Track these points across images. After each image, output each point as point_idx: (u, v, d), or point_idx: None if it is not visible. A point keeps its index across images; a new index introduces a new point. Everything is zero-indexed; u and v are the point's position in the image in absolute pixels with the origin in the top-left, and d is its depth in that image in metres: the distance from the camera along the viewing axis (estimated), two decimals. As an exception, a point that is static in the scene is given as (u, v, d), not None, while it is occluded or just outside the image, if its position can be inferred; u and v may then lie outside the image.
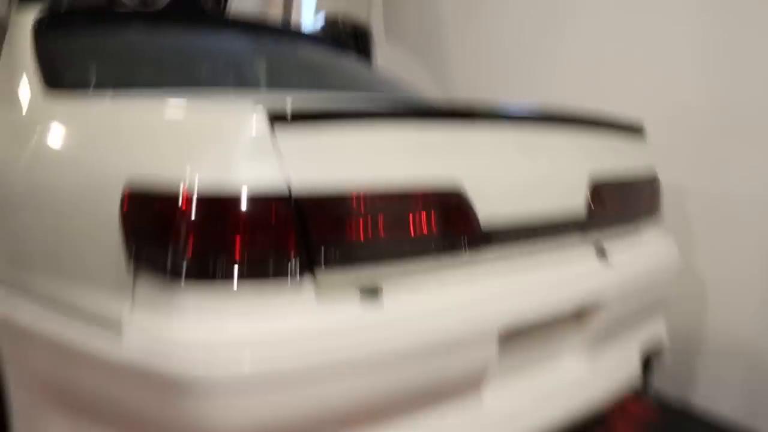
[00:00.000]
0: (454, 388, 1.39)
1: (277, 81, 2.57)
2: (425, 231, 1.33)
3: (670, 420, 2.41)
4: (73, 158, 1.48)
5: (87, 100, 1.68)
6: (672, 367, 2.37)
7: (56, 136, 1.61)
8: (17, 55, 1.92)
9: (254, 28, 2.77)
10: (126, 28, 2.30)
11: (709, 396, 2.43)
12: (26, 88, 1.81)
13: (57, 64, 1.86)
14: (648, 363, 2.02)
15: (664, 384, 2.53)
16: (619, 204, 1.89)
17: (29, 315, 1.44)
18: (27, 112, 1.78)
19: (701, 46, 2.45)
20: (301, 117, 1.19)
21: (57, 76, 1.80)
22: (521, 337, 1.53)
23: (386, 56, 4.20)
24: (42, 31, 1.96)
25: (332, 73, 2.74)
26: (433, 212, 1.35)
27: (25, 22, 1.99)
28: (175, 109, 1.41)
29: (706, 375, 2.45)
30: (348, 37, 3.07)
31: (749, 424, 2.29)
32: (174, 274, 1.12)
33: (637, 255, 1.90)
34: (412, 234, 1.32)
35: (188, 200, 1.11)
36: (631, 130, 2.00)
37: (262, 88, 2.51)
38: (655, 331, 2.06)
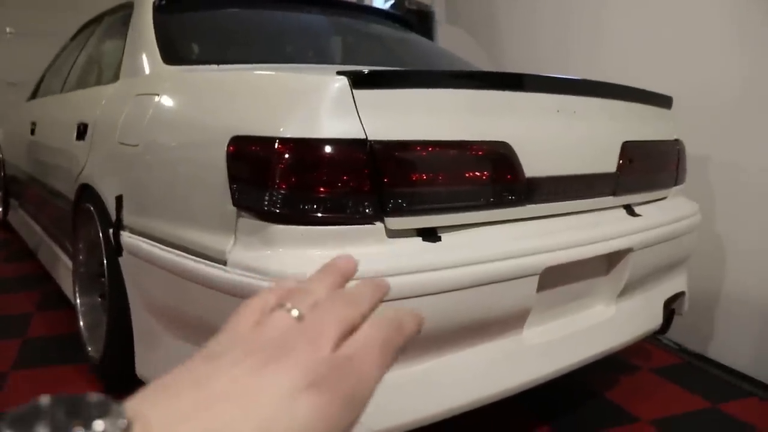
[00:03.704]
0: (500, 323, 1.48)
1: (353, 53, 2.66)
2: (478, 179, 1.43)
3: (687, 363, 2.46)
4: (186, 119, 1.60)
5: (198, 71, 1.80)
6: (691, 322, 2.41)
7: (172, 100, 1.74)
8: (141, 34, 2.07)
9: (334, 5, 2.84)
10: (226, 8, 2.42)
11: (723, 350, 2.47)
12: (147, 63, 1.97)
13: (173, 40, 2.01)
14: (670, 313, 2.07)
15: (682, 338, 2.58)
16: (647, 168, 1.95)
17: (150, 252, 1.59)
18: (148, 82, 1.92)
19: (730, 24, 2.42)
20: (375, 81, 1.31)
21: (173, 52, 1.94)
22: (559, 280, 1.61)
23: (446, 35, 4.24)
24: (160, 13, 2.10)
25: (399, 47, 2.80)
26: (484, 162, 1.45)
27: (146, 4, 2.13)
28: (274, 76, 1.52)
29: (723, 331, 2.48)
30: (413, 17, 3.13)
31: (761, 376, 2.32)
32: (269, 213, 1.24)
33: (662, 214, 1.95)
34: (467, 180, 1.41)
35: (284, 142, 1.23)
36: (661, 101, 2.03)
37: (342, 58, 2.61)
38: (678, 284, 2.11)
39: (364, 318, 0.37)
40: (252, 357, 0.33)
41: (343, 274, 0.41)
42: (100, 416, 0.29)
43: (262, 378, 0.32)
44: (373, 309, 0.38)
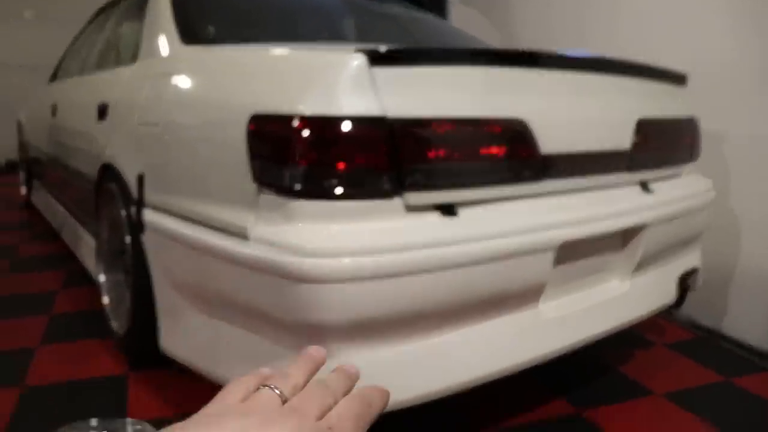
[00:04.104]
0: (516, 297, 1.49)
1: (368, 32, 2.65)
2: (494, 155, 1.43)
3: (701, 338, 2.46)
4: (206, 98, 1.61)
5: (216, 50, 1.81)
6: (704, 297, 2.41)
7: (191, 80, 1.75)
8: (159, 15, 2.08)
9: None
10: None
11: (736, 325, 2.47)
12: (166, 44, 1.97)
13: (191, 21, 2.01)
14: (684, 289, 2.07)
15: (695, 313, 2.57)
16: (661, 145, 1.94)
17: (172, 229, 1.60)
18: (166, 62, 1.93)
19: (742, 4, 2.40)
20: (393, 58, 1.31)
21: (191, 32, 1.94)
22: (575, 255, 1.61)
23: (459, 15, 4.21)
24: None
25: (413, 26, 2.79)
26: (500, 139, 1.46)
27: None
28: (293, 54, 1.53)
29: (736, 306, 2.48)
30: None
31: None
32: (290, 189, 1.25)
33: (677, 190, 1.94)
34: (484, 157, 1.42)
35: (304, 120, 1.24)
36: (675, 78, 2.01)
37: (357, 37, 2.60)
38: (692, 260, 2.10)
39: (337, 402, 0.43)
40: (250, 418, 0.38)
41: (315, 362, 0.48)
42: None
43: (264, 431, 0.37)
44: (345, 394, 0.44)
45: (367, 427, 0.43)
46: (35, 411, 1.83)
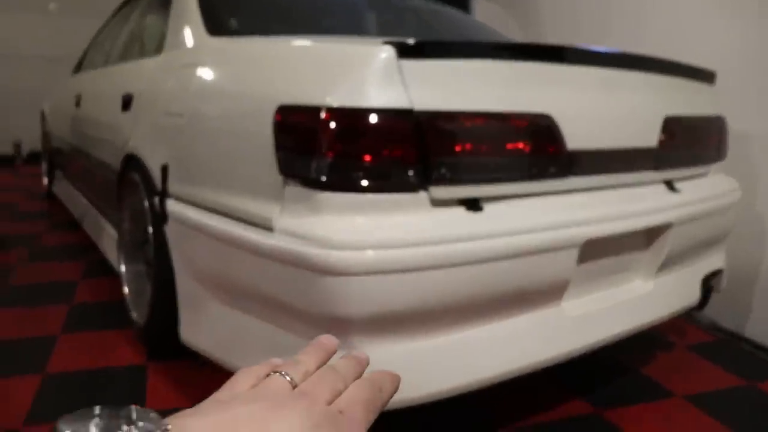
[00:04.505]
0: (539, 294, 1.47)
1: (393, 26, 2.64)
2: (521, 150, 1.42)
3: (722, 340, 2.43)
4: (232, 89, 1.61)
5: (242, 42, 1.81)
6: (726, 300, 2.38)
7: (217, 72, 1.74)
8: (185, 6, 2.08)
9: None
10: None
11: (758, 329, 2.43)
12: (192, 35, 1.97)
13: (217, 13, 2.01)
14: (707, 290, 2.04)
15: (717, 315, 2.54)
16: (688, 144, 1.91)
17: (196, 220, 1.60)
18: (192, 53, 1.93)
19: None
20: (421, 51, 1.30)
21: (217, 24, 1.94)
22: (599, 253, 1.59)
23: (483, 12, 4.18)
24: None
25: (437, 20, 2.77)
26: (527, 134, 1.45)
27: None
28: (321, 46, 1.52)
29: (758, 309, 2.44)
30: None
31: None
32: (316, 181, 1.25)
33: (703, 190, 1.91)
34: (510, 151, 1.40)
35: (331, 111, 1.23)
36: (704, 76, 1.98)
37: (383, 30, 2.59)
38: (716, 261, 2.07)
39: (347, 387, 0.43)
40: (260, 402, 0.39)
41: (326, 350, 0.47)
42: (144, 420, 0.35)
43: (275, 414, 0.38)
44: (356, 380, 0.45)
45: (378, 411, 0.43)
46: (55, 398, 1.85)
